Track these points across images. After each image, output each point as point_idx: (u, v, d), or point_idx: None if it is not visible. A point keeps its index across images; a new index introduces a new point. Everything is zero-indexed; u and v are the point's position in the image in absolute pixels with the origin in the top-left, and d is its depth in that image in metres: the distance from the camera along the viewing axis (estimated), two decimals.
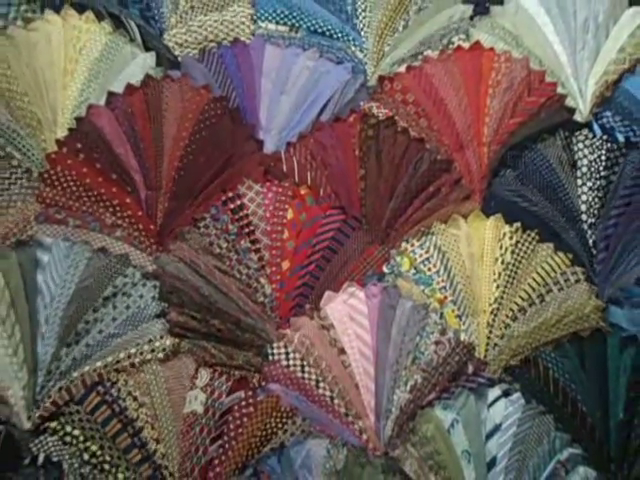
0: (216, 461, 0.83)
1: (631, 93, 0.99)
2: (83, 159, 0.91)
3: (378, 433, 0.84)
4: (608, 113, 0.99)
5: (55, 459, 0.82)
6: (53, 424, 0.83)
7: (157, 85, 0.96)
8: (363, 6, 1.03)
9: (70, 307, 0.86)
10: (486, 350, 0.89)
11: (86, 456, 0.81)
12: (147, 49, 0.99)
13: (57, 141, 0.92)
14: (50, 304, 0.86)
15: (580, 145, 0.97)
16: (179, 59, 1.00)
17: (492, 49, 1.00)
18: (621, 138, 0.97)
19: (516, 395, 0.87)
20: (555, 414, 0.86)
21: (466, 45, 1.01)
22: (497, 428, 0.85)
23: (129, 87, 0.95)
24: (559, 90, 0.99)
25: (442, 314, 0.90)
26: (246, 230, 0.92)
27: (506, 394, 0.87)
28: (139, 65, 0.97)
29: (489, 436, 0.85)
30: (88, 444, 0.82)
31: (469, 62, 1.00)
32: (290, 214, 0.93)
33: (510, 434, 0.85)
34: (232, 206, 0.92)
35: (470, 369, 0.88)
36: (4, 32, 0.95)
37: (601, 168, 0.96)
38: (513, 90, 0.98)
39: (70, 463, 0.81)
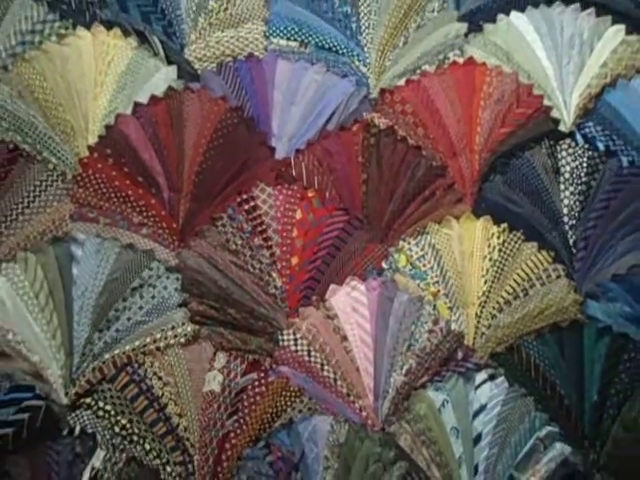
0: (232, 434, 0.88)
1: (612, 106, 1.01)
2: (112, 163, 0.96)
3: (376, 411, 0.89)
4: (590, 124, 1.02)
5: (89, 431, 0.87)
6: (87, 400, 0.88)
7: (179, 96, 1.00)
8: (367, 24, 1.05)
9: (101, 297, 0.91)
10: (474, 338, 0.93)
11: (117, 428, 0.87)
12: (169, 63, 1.02)
13: (89, 147, 0.96)
14: (84, 294, 0.91)
15: (563, 153, 1.00)
16: (198, 72, 1.03)
17: (484, 64, 1.03)
18: (601, 147, 1.01)
19: (500, 379, 0.92)
20: (535, 396, 0.91)
21: (461, 60, 1.04)
22: (483, 408, 0.90)
23: (153, 98, 0.99)
24: (545, 102, 1.02)
25: (435, 306, 0.94)
26: (259, 229, 0.96)
27: (491, 378, 0.92)
28: (162, 77, 1.01)
29: (475, 415, 0.90)
30: (119, 418, 0.87)
31: (463, 76, 1.03)
32: (299, 214, 0.96)
33: (494, 413, 0.90)
34: (246, 207, 0.96)
35: (459, 355, 0.93)
36: (40, 47, 0.98)
37: (582, 174, 0.99)
38: (503, 102, 1.01)
39: (103, 434, 0.87)
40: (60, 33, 1.00)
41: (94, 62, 0.99)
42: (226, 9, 1.04)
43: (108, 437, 0.86)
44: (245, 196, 0.96)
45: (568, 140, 1.00)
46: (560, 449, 0.88)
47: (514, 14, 1.05)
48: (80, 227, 0.94)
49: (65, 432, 0.88)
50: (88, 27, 1.00)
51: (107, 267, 0.92)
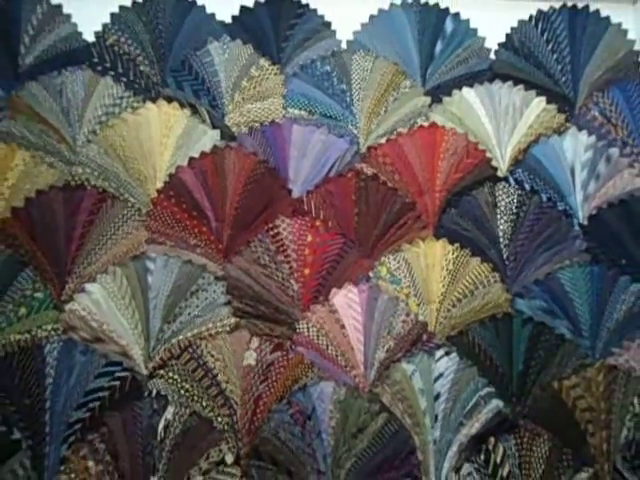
0: (263, 395, 1.04)
1: (536, 157, 1.17)
2: (174, 202, 1.10)
3: (366, 378, 1.05)
4: (520, 170, 1.16)
5: (163, 393, 1.03)
6: (161, 372, 1.04)
7: (221, 152, 1.12)
8: (357, 97, 1.18)
9: (169, 298, 1.07)
10: (435, 326, 1.09)
11: (182, 391, 1.03)
12: (214, 128, 1.13)
13: (157, 190, 1.10)
14: (156, 296, 1.07)
15: (500, 192, 1.15)
16: (235, 134, 1.14)
17: (443, 127, 1.16)
18: (528, 187, 1.15)
19: (454, 354, 1.08)
20: (478, 366, 1.08)
21: (426, 124, 1.17)
22: (441, 375, 1.07)
23: (203, 154, 1.12)
24: (487, 155, 1.16)
25: (407, 303, 1.09)
26: (281, 249, 1.09)
27: (447, 354, 1.08)
28: (209, 139, 1.13)
29: (436, 380, 1.07)
30: (183, 384, 1.04)
31: (427, 136, 1.16)
32: (309, 238, 1.09)
33: (449, 379, 1.07)
34: (272, 233, 1.10)
35: (425, 338, 1.08)
36: (119, 116, 1.14)
37: (513, 207, 1.14)
38: (456, 155, 1.15)
39: (172, 396, 1.03)
40: (134, 106, 1.14)
41: (159, 127, 1.13)
42: (254, 87, 1.17)
43: (176, 397, 1.03)
44: (270, 225, 1.10)
45: (503, 182, 1.15)
46: (495, 404, 1.06)
47: (465, 89, 1.20)
48: (152, 248, 1.08)
49: (145, 394, 1.03)
50: (154, 101, 1.15)
51: (172, 277, 1.08)
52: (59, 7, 1.22)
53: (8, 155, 1.12)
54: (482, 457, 1.05)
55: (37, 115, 1.14)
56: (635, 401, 1.09)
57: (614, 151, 1.19)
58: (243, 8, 1.23)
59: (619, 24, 1.26)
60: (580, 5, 1.27)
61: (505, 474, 1.05)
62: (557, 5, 1.27)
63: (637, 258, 1.14)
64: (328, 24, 1.24)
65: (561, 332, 1.10)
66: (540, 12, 1.26)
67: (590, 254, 1.13)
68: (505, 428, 1.06)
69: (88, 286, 1.07)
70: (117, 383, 1.04)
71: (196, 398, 1.05)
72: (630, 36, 1.26)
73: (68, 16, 1.21)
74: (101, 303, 1.07)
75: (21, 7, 1.20)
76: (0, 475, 1.00)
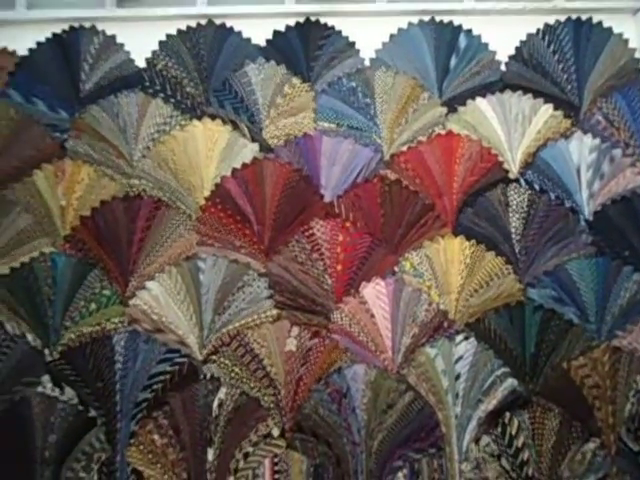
0: (304, 377, 1.14)
1: (544, 159, 1.24)
2: (220, 208, 1.21)
3: (394, 361, 1.15)
4: (529, 172, 1.23)
5: (216, 376, 1.14)
6: (214, 357, 1.15)
7: (260, 163, 1.23)
8: (380, 109, 1.26)
9: (219, 293, 1.18)
10: (455, 314, 1.17)
11: (232, 374, 1.14)
12: (253, 141, 1.24)
13: (205, 198, 1.21)
14: (207, 292, 1.18)
15: (512, 192, 1.22)
16: (272, 147, 1.24)
17: (459, 135, 1.24)
18: (537, 187, 1.23)
19: (472, 339, 1.16)
20: (494, 349, 1.16)
21: (443, 132, 1.24)
22: (460, 357, 1.16)
23: (244, 165, 1.22)
24: (499, 159, 1.23)
25: (429, 294, 1.17)
26: (316, 247, 1.19)
27: (466, 338, 1.16)
28: (249, 151, 1.23)
29: (456, 362, 1.15)
30: (234, 368, 1.15)
31: (445, 143, 1.24)
32: (341, 237, 1.19)
33: (468, 361, 1.16)
34: (307, 234, 1.20)
35: (445, 325, 1.16)
36: (169, 133, 1.25)
37: (524, 206, 1.21)
38: (471, 159, 1.23)
39: (224, 378, 1.14)
40: (182, 124, 1.25)
41: (205, 142, 1.24)
42: (288, 103, 1.27)
43: (228, 379, 1.14)
44: (306, 227, 1.20)
45: (515, 183, 1.23)
46: (510, 382, 1.14)
47: (478, 99, 1.27)
48: (202, 250, 1.19)
49: (201, 377, 1.14)
50: (199, 119, 1.26)
51: (221, 274, 1.19)
52: (113, 37, 1.35)
53: (75, 171, 1.26)
54: (499, 430, 1.14)
55: (98, 134, 1.28)
56: (638, 379, 1.17)
57: (617, 152, 1.26)
58: (276, 32, 1.34)
59: (620, 34, 1.33)
60: (584, 17, 1.35)
61: (520, 444, 1.14)
62: (563, 18, 1.35)
63: (639, 250, 1.22)
64: (352, 44, 1.33)
65: (569, 318, 1.18)
66: (547, 25, 1.34)
67: (595, 247, 1.20)
68: (519, 404, 1.14)
69: (148, 284, 1.20)
70: (176, 368, 1.16)
71: (245, 380, 1.16)
72: (631, 45, 1.33)
73: (121, 45, 1.34)
74: (160, 298, 1.19)
75: (80, 39, 1.34)
76: (80, 447, 1.15)
